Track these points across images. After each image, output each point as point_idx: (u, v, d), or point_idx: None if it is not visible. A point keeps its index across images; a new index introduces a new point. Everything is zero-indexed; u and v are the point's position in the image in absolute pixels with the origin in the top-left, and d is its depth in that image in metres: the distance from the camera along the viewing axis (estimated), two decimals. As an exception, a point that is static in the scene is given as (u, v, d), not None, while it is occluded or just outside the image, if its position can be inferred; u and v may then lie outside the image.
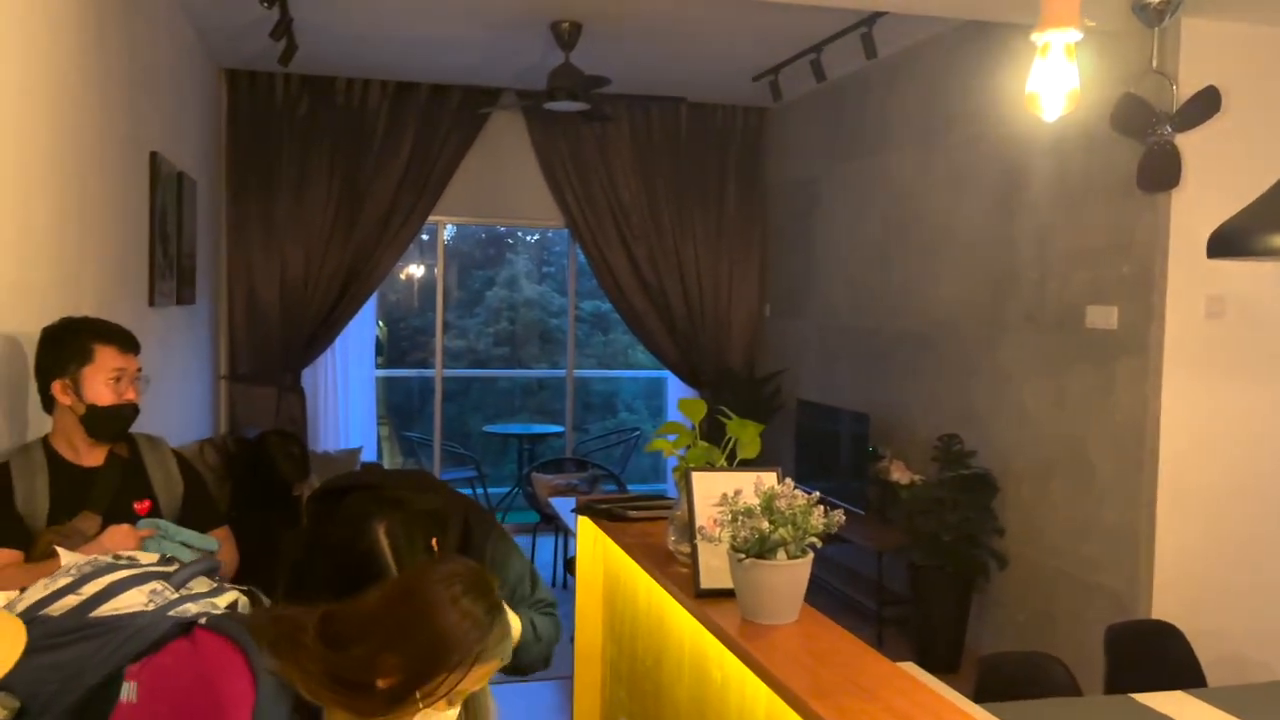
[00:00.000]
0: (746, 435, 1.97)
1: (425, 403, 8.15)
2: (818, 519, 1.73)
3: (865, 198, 5.97)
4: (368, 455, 6.77)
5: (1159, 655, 2.78)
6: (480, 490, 7.88)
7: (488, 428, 8.49)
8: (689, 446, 2.00)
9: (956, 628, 4.81)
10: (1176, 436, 3.91)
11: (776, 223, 7.21)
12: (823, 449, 6.00)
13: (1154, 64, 3.70)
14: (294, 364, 6.65)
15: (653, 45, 5.67)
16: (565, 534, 5.65)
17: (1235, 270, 3.93)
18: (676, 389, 7.59)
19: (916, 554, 4.75)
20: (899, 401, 5.58)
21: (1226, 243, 2.25)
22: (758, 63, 5.91)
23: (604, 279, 7.14)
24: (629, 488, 7.50)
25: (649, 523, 2.49)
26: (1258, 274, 3.95)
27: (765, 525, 1.71)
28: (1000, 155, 4.77)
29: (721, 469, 1.97)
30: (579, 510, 2.63)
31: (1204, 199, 3.86)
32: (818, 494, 1.76)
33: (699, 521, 1.92)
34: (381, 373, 7.94)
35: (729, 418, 1.99)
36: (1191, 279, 3.89)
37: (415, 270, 8.88)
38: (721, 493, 1.83)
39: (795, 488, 1.75)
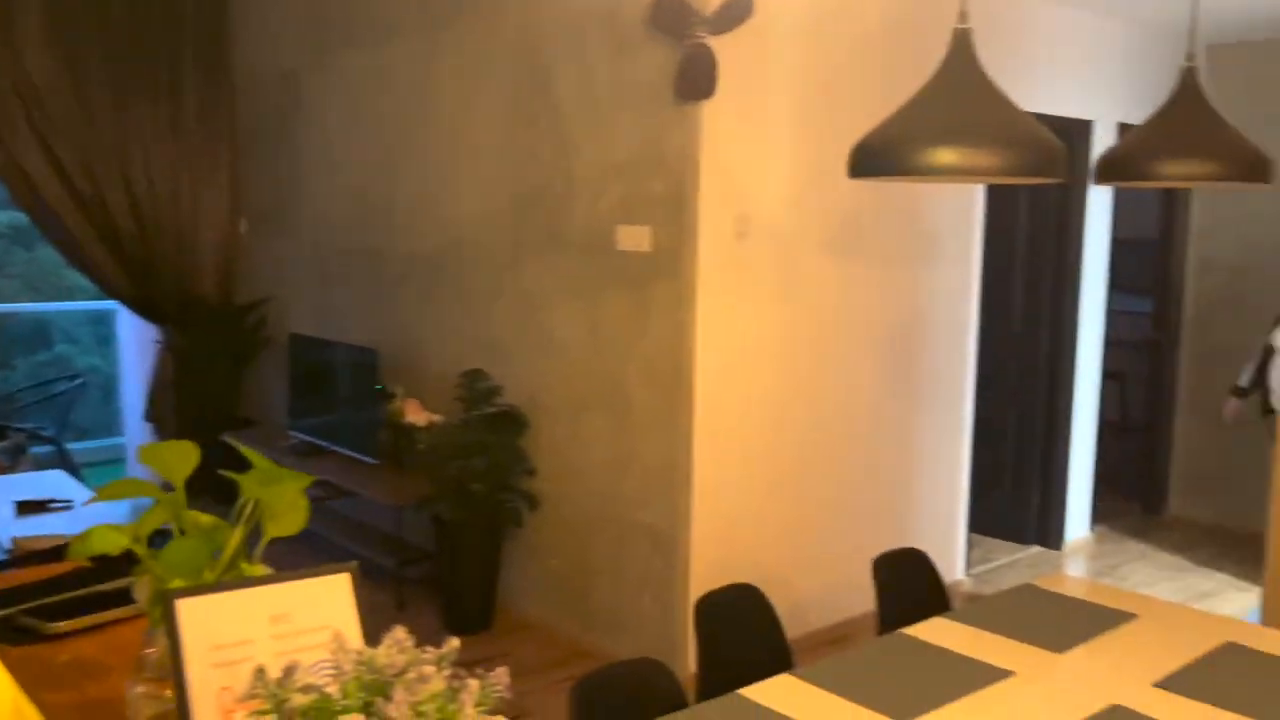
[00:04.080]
0: (281, 498, 1.00)
1: None
2: (471, 705, 0.87)
3: (362, 95, 5.12)
4: None
5: (741, 617, 2.50)
6: None
7: None
8: (163, 535, 1.00)
9: (488, 583, 4.37)
10: (710, 364, 3.73)
11: (251, 122, 6.06)
12: (322, 389, 5.18)
13: (690, -43, 3.35)
14: None
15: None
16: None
17: (757, 188, 3.79)
18: (130, 322, 6.21)
19: (443, 507, 4.19)
20: (411, 333, 4.92)
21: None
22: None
23: (17, 188, 5.50)
24: (70, 449, 6.07)
25: (90, 635, 1.42)
26: (776, 193, 3.86)
27: None
28: (518, 51, 4.22)
29: (233, 581, 0.98)
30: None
31: (730, 110, 3.64)
32: (456, 644, 0.91)
33: (194, 708, 0.96)
34: None
35: (240, 466, 0.94)
36: (721, 198, 3.68)
37: None
38: (253, 663, 0.93)
39: (412, 642, 0.88)
